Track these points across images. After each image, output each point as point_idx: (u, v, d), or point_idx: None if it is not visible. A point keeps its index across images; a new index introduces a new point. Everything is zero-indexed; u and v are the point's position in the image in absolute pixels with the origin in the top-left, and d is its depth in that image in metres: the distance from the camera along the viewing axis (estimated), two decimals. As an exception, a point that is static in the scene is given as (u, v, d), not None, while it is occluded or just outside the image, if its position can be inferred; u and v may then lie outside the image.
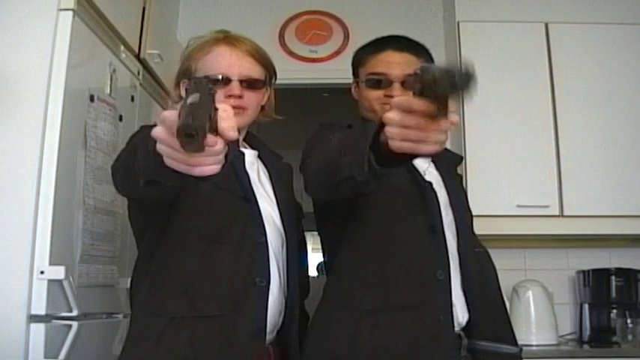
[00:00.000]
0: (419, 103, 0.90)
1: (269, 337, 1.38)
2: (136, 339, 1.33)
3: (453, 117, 0.91)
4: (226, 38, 1.48)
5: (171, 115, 0.80)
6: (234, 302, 1.32)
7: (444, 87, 0.85)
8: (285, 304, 1.43)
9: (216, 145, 0.81)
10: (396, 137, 0.95)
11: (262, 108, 1.54)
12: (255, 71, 1.48)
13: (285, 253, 1.45)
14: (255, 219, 1.39)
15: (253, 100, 1.47)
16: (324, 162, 1.22)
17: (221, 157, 0.84)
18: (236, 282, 1.34)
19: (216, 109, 0.81)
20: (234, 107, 1.41)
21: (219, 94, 1.40)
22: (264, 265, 1.37)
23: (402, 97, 0.95)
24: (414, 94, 0.91)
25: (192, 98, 0.78)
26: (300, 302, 1.50)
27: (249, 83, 1.46)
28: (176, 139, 0.78)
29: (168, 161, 0.86)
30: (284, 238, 1.46)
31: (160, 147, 0.85)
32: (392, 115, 0.95)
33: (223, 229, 1.36)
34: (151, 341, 1.28)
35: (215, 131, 0.80)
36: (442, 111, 0.89)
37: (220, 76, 1.43)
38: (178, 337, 1.28)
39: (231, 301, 1.32)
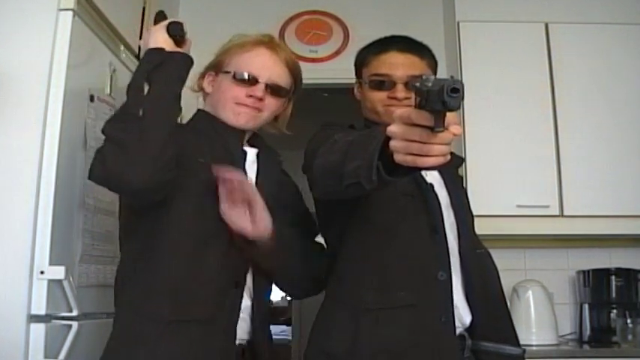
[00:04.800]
0: (418, 116, 0.91)
1: (245, 338, 1.38)
2: (121, 341, 1.32)
3: (455, 129, 0.91)
4: (270, 42, 1.51)
5: None
6: (220, 305, 1.33)
7: (434, 104, 0.86)
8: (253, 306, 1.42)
9: None
10: (400, 151, 0.96)
11: (276, 118, 1.56)
12: (284, 80, 1.51)
13: None
14: None
15: (272, 105, 1.49)
16: (330, 165, 1.21)
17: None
18: (221, 285, 1.34)
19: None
20: (251, 107, 1.45)
21: (241, 91, 1.45)
22: (244, 267, 1.37)
23: (403, 109, 0.96)
24: (414, 106, 0.93)
25: None
26: (265, 304, 1.48)
27: (273, 89, 1.48)
28: None
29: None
30: None
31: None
32: (394, 129, 0.96)
33: (211, 231, 1.35)
34: (136, 345, 1.28)
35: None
36: (439, 123, 0.90)
37: (247, 75, 1.45)
38: (163, 342, 1.28)
39: (217, 304, 1.32)
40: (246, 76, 1.45)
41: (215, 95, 1.49)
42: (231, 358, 1.33)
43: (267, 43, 1.50)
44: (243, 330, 1.38)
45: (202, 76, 1.53)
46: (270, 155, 1.56)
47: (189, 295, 1.31)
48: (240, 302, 1.36)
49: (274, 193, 1.45)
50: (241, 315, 1.37)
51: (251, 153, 1.50)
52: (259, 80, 1.46)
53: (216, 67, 1.51)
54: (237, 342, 1.36)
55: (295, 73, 1.54)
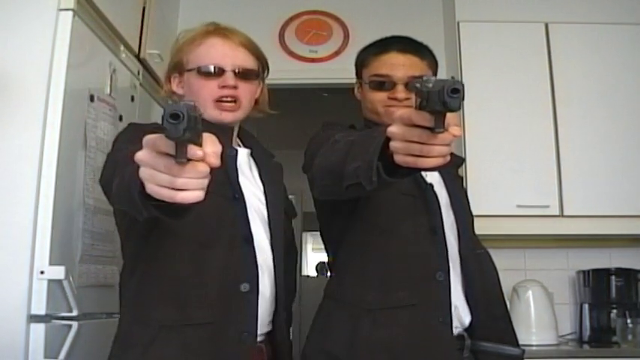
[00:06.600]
0: (418, 117, 0.91)
1: (260, 337, 1.36)
2: (125, 346, 1.30)
3: (455, 130, 0.91)
4: (217, 30, 1.47)
5: (154, 136, 0.80)
6: (223, 308, 1.30)
7: (434, 104, 0.86)
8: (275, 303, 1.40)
9: (200, 163, 0.79)
10: (400, 151, 0.96)
11: (256, 102, 1.52)
12: (249, 62, 1.46)
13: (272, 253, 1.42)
14: (243, 219, 1.36)
15: (248, 91, 1.45)
16: (331, 165, 1.21)
17: (205, 182, 0.82)
18: (224, 287, 1.31)
19: (200, 131, 0.79)
20: (228, 97, 1.41)
21: (213, 85, 1.41)
22: (252, 269, 1.34)
23: (403, 110, 0.95)
24: (415, 107, 0.93)
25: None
26: (286, 302, 1.47)
27: (243, 74, 1.43)
28: (160, 159, 0.79)
29: (150, 188, 0.84)
30: (270, 238, 1.42)
31: (142, 171, 0.83)
32: (394, 130, 0.96)
33: (212, 233, 1.33)
34: (140, 349, 1.26)
35: (199, 146, 0.79)
36: (439, 124, 0.90)
37: (213, 67, 1.42)
38: (168, 346, 1.26)
39: (220, 306, 1.30)
40: (212, 69, 1.41)
41: (189, 96, 1.43)
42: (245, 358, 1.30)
43: (215, 31, 1.46)
44: (264, 327, 1.37)
45: (168, 80, 1.49)
46: (265, 156, 1.53)
47: (186, 299, 1.29)
48: (249, 305, 1.32)
49: (281, 199, 1.45)
50: (261, 314, 1.34)
51: (242, 153, 1.47)
52: (225, 69, 1.41)
53: (177, 68, 1.47)
54: (258, 339, 1.34)
55: (256, 53, 1.48)
